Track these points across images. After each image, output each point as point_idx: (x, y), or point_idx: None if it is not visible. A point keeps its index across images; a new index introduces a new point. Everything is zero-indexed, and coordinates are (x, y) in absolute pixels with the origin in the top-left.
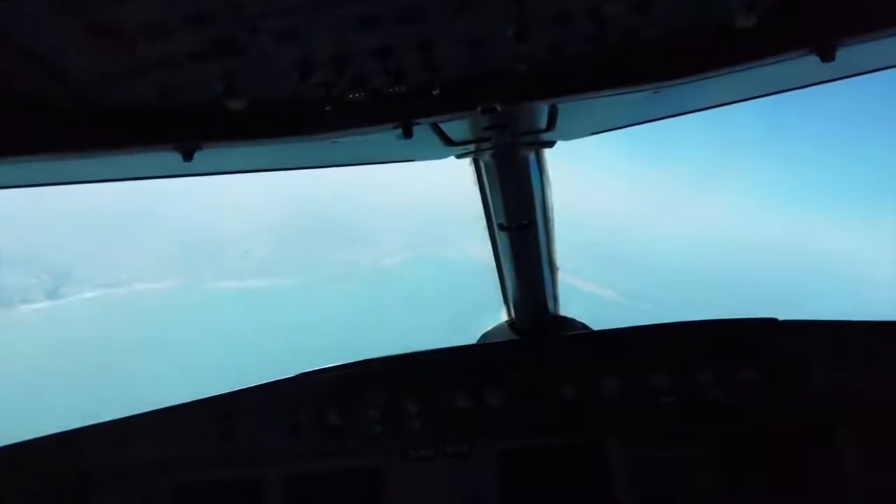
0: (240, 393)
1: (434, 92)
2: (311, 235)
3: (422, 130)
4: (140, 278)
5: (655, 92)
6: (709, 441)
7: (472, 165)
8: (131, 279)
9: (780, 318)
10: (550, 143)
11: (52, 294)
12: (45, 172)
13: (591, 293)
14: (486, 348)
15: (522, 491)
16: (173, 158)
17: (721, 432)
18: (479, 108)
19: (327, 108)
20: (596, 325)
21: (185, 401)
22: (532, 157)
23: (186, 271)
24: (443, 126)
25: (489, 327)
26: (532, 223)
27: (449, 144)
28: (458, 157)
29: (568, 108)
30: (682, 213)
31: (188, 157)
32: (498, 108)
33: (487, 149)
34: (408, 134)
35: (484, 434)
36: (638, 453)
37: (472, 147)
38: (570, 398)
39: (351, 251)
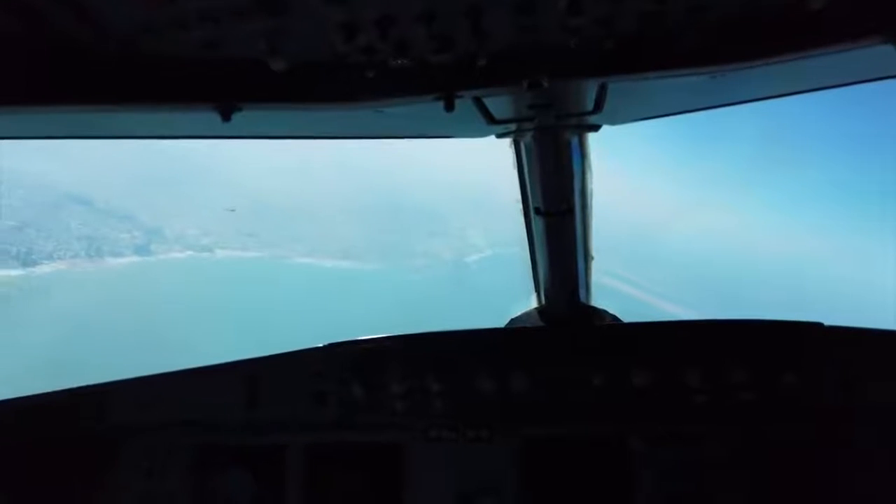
0: (267, 359)
1: (480, 63)
2: (397, 223)
3: (464, 105)
4: (225, 245)
5: (712, 77)
6: (738, 445)
7: (513, 146)
8: (215, 245)
9: (826, 323)
10: (595, 127)
11: (141, 250)
12: (84, 125)
13: (621, 290)
14: (514, 333)
15: (542, 480)
16: (212, 118)
17: (751, 437)
18: (524, 84)
19: (370, 75)
20: (627, 320)
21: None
22: (575, 140)
23: (271, 244)
24: (486, 102)
25: (518, 313)
26: (570, 210)
27: (491, 122)
28: (499, 136)
29: (617, 90)
30: (723, 211)
31: (227, 117)
32: (545, 84)
33: (529, 129)
34: (450, 107)
35: (506, 420)
36: (663, 451)
37: (513, 126)
38: (596, 390)
39: (433, 243)
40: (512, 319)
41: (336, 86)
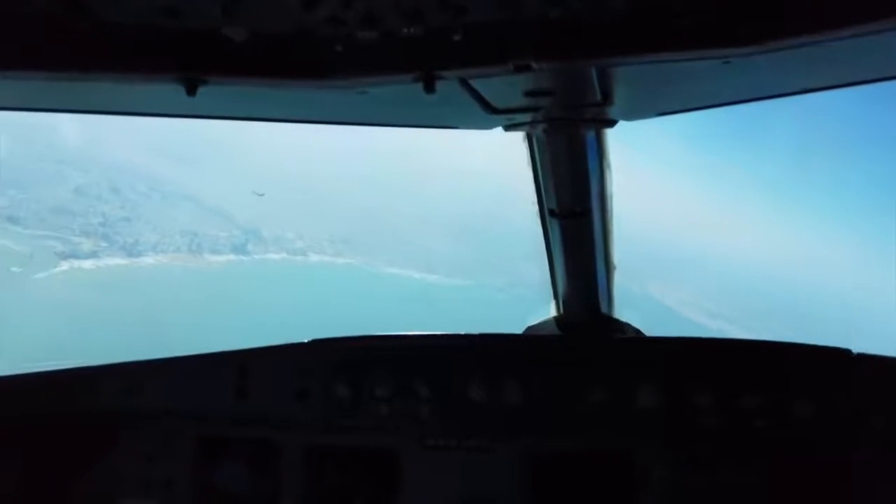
0: (253, 351)
1: (455, 38)
2: (491, 242)
3: (454, 91)
4: (318, 250)
5: (725, 62)
6: (745, 473)
7: (525, 141)
8: (309, 249)
9: (855, 350)
10: (611, 122)
11: (238, 249)
12: (46, 95)
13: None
14: (517, 339)
15: (545, 494)
16: (177, 93)
17: (766, 464)
18: (510, 65)
19: (338, 49)
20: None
21: None
22: (591, 137)
23: (362, 251)
24: (480, 89)
25: (536, 321)
26: (587, 212)
27: (491, 112)
28: (507, 129)
29: (628, 80)
30: (753, 219)
31: (191, 91)
32: (533, 65)
33: (539, 122)
34: (429, 88)
35: (507, 430)
36: (673, 474)
37: (517, 118)
38: (605, 405)
39: (526, 266)
40: (529, 327)
41: (304, 60)
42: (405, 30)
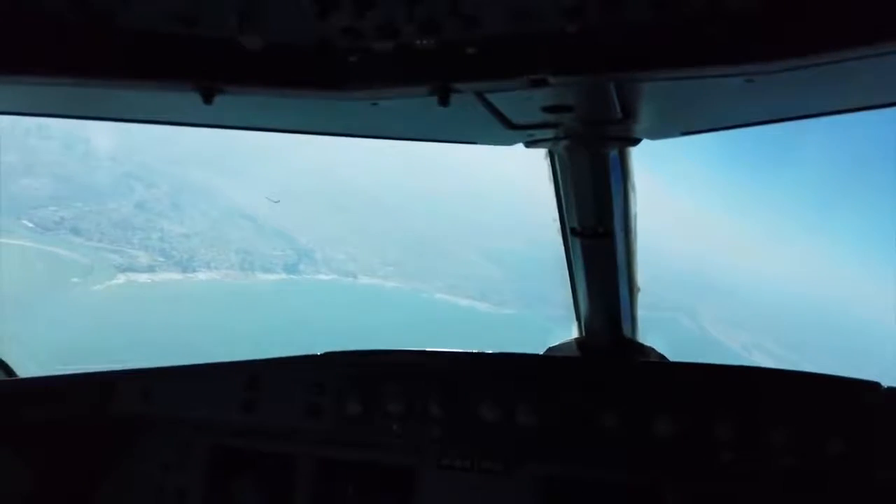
0: (266, 362)
1: (469, 51)
2: (547, 273)
3: (471, 105)
4: (369, 273)
5: (748, 81)
6: None
7: (548, 158)
8: (359, 271)
9: (885, 384)
10: (634, 141)
11: (290, 269)
12: (63, 101)
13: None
14: (532, 360)
15: None
16: (195, 102)
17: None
18: (526, 78)
19: (353, 60)
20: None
21: None
22: (613, 155)
23: (412, 276)
24: (496, 104)
25: (556, 342)
26: (609, 232)
27: (510, 127)
28: (528, 145)
29: (648, 97)
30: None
31: (208, 99)
32: (550, 80)
33: (560, 138)
34: (444, 101)
35: (521, 453)
36: None
37: (537, 134)
38: (620, 432)
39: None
40: (549, 348)
41: (319, 70)
42: (420, 41)
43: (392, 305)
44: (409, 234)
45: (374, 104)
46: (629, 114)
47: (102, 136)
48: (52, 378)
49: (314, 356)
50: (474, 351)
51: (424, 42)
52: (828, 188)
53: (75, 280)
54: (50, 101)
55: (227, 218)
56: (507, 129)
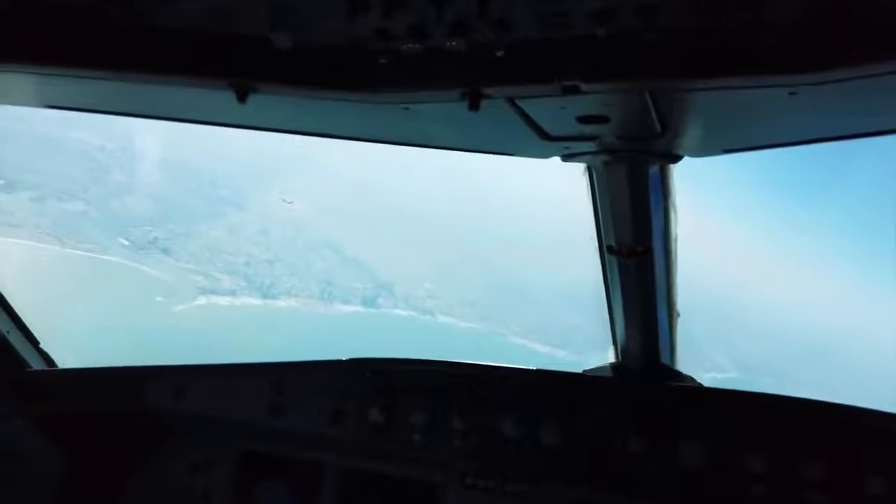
0: (292, 365)
1: (498, 53)
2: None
3: (504, 113)
4: (446, 311)
5: (791, 94)
6: None
7: (586, 174)
8: (437, 309)
9: None
10: (675, 158)
11: (368, 302)
12: (104, 97)
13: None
14: (561, 378)
15: None
16: (229, 102)
17: None
18: (557, 84)
19: (382, 61)
20: None
21: None
22: (654, 172)
23: (489, 317)
24: (530, 112)
25: (591, 366)
26: (648, 251)
27: (545, 138)
28: (565, 159)
29: (686, 110)
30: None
31: (242, 98)
32: (582, 87)
33: (598, 152)
34: (474, 105)
35: (544, 473)
36: None
37: (573, 146)
38: (646, 458)
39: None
40: (584, 371)
41: (349, 71)
42: (449, 44)
43: (467, 348)
44: (487, 270)
45: (406, 108)
46: (668, 127)
47: (203, 158)
48: (89, 370)
49: (340, 361)
50: (502, 365)
51: (454, 44)
52: (879, 216)
53: (159, 299)
54: (93, 97)
55: (311, 246)
56: (542, 140)
